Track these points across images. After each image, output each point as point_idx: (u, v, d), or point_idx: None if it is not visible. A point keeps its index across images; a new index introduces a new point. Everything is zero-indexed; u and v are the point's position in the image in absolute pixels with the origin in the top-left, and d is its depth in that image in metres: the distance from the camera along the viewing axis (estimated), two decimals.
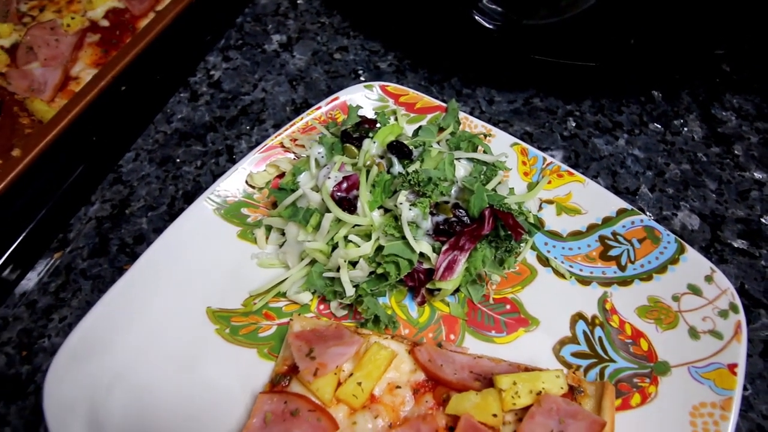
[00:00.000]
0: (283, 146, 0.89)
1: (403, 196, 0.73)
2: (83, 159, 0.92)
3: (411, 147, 0.80)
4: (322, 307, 0.80)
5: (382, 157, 0.81)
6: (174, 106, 1.05)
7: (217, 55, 1.13)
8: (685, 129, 1.04)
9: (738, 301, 0.72)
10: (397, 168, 0.78)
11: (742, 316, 0.71)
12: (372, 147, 0.80)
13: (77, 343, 0.67)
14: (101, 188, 0.94)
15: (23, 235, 0.84)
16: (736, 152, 1.01)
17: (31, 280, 0.84)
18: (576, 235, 0.84)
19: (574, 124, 1.04)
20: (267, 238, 0.83)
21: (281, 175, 0.87)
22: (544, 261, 0.83)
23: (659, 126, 1.04)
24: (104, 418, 0.65)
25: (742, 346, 0.70)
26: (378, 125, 0.85)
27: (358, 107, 0.90)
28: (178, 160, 0.98)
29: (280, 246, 0.82)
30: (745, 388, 0.77)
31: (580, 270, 0.82)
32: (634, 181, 0.97)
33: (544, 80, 1.09)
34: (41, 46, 1.00)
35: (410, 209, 0.72)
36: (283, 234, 0.82)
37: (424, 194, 0.73)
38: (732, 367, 0.69)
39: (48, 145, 0.86)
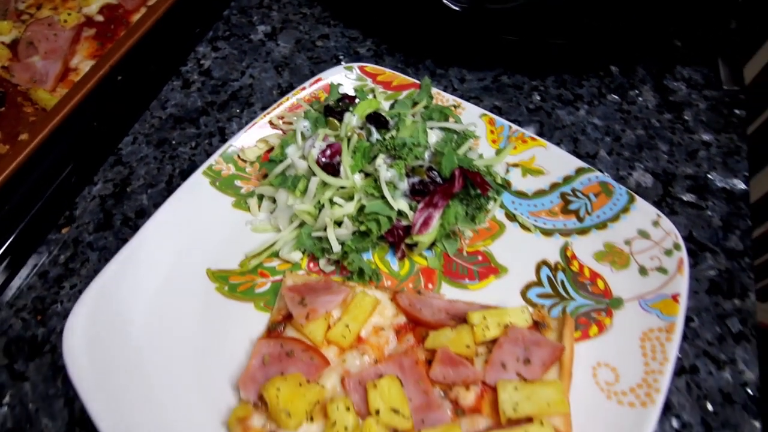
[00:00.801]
0: (271, 124, 0.97)
1: (381, 159, 0.81)
2: (85, 142, 0.99)
3: (387, 118, 0.88)
4: (312, 264, 0.88)
5: (361, 128, 0.89)
6: (168, 93, 1.13)
7: (206, 45, 1.21)
8: (640, 99, 1.13)
9: (680, 241, 0.82)
10: (375, 136, 0.86)
11: (684, 254, 0.81)
12: (352, 119, 0.89)
13: (95, 294, 0.75)
14: (103, 169, 1.01)
15: (32, 212, 0.91)
16: (685, 118, 1.11)
17: (41, 254, 0.91)
18: (540, 193, 0.93)
19: (539, 98, 1.13)
20: (259, 206, 0.91)
21: (270, 150, 0.95)
22: (512, 217, 0.92)
23: (616, 97, 1.14)
24: (118, 361, 0.73)
25: (684, 278, 0.79)
26: (357, 100, 0.93)
27: (339, 85, 0.98)
28: (173, 142, 1.05)
29: (272, 212, 0.90)
30: (692, 320, 0.87)
31: (544, 223, 0.91)
32: (594, 147, 1.06)
33: (511, 59, 1.18)
34: (41, 41, 1.07)
35: (388, 170, 0.81)
36: (274, 201, 0.89)
37: (400, 157, 0.81)
38: (675, 297, 0.78)
39: (53, 128, 0.93)
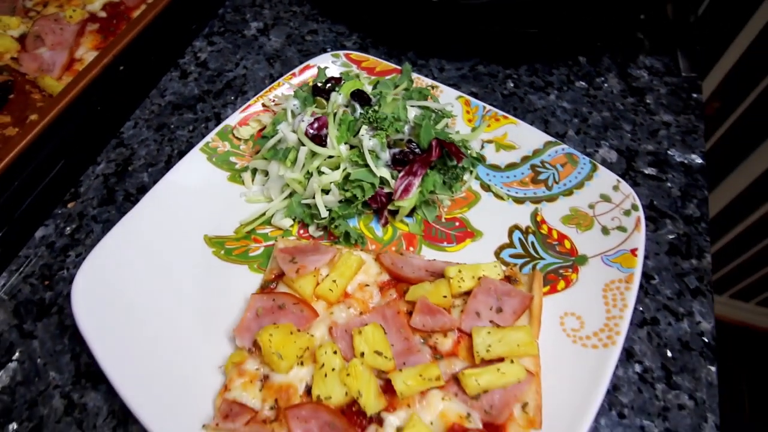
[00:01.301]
0: (263, 106, 1.05)
1: (364, 130, 0.89)
2: (90, 125, 1.06)
3: (370, 96, 0.96)
4: (302, 231, 0.95)
5: (346, 106, 0.97)
6: (166, 83, 1.20)
7: (202, 40, 1.29)
8: (606, 85, 1.23)
9: (638, 202, 0.90)
10: (359, 111, 0.94)
11: (641, 213, 0.88)
12: (338, 98, 0.96)
13: (100, 253, 0.81)
14: (106, 151, 1.08)
15: (39, 188, 0.98)
16: (647, 101, 1.20)
17: (48, 226, 0.98)
18: (512, 165, 1.01)
19: (512, 85, 1.22)
20: (253, 179, 0.98)
21: (263, 129, 1.03)
22: (486, 187, 0.99)
23: (584, 83, 1.23)
24: (123, 313, 0.79)
25: (641, 234, 0.86)
26: (343, 82, 1.01)
27: (326, 68, 1.06)
28: (172, 126, 1.12)
29: (264, 184, 0.97)
30: (653, 278, 0.94)
31: (516, 192, 0.98)
32: (563, 127, 1.15)
33: (486, 50, 1.27)
34: (48, 34, 1.14)
35: (370, 140, 0.88)
36: (266, 174, 0.97)
37: (381, 128, 0.89)
38: (633, 251, 0.85)
39: (60, 110, 1.00)
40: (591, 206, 0.93)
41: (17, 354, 0.84)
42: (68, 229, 0.97)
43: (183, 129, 1.12)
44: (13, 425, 0.78)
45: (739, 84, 1.64)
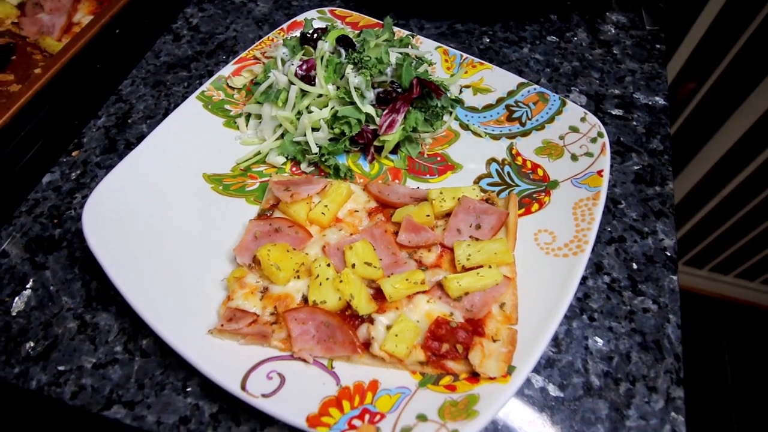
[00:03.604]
0: (255, 58, 1.12)
1: (349, 69, 0.96)
2: (90, 80, 1.12)
3: (355, 42, 1.03)
4: (294, 168, 1.01)
5: (333, 53, 1.04)
6: (161, 45, 1.27)
7: (193, 7, 1.35)
8: (575, 38, 1.31)
9: (603, 130, 0.98)
10: (345, 55, 1.01)
11: (605, 139, 0.96)
12: (325, 45, 1.03)
13: (109, 182, 0.87)
14: (106, 106, 1.14)
15: (45, 137, 1.04)
16: (614, 52, 1.28)
17: (54, 173, 1.03)
18: (488, 107, 1.09)
19: (488, 40, 1.30)
20: (247, 124, 1.05)
21: (254, 80, 1.09)
22: (465, 127, 1.07)
23: (555, 38, 1.31)
24: (130, 237, 0.85)
25: (606, 157, 0.94)
26: (329, 31, 1.08)
27: (313, 19, 1.13)
28: (168, 83, 1.19)
29: (258, 127, 1.03)
30: (619, 203, 1.02)
31: (492, 130, 1.06)
32: (536, 76, 1.23)
33: (463, 9, 1.35)
34: (46, 1, 1.20)
35: (355, 77, 0.95)
36: (260, 118, 1.03)
37: (365, 67, 0.96)
38: (599, 172, 0.93)
39: (62, 65, 1.06)
40: (561, 137, 1.01)
41: (31, 283, 0.90)
42: (73, 174, 1.03)
43: (178, 85, 1.18)
44: (30, 344, 0.84)
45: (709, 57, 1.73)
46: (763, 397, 2.62)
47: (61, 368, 0.81)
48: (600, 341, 0.86)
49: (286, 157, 1.00)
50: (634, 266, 0.95)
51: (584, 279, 0.93)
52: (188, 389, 0.80)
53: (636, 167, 1.07)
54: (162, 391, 0.80)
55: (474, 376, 0.74)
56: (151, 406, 0.78)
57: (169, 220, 0.90)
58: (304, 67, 0.97)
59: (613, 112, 1.16)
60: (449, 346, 0.76)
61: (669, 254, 0.96)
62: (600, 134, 0.97)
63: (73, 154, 1.06)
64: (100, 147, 1.07)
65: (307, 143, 0.97)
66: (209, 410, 0.78)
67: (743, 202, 2.28)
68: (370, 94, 0.98)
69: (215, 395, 0.79)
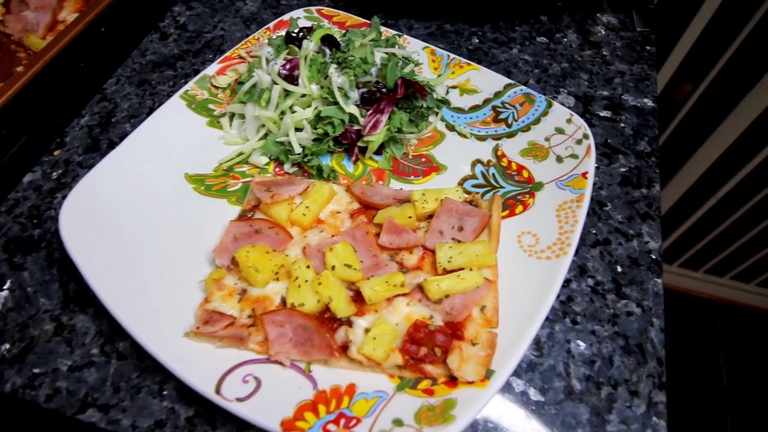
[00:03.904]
0: (240, 57, 1.11)
1: (332, 69, 0.95)
2: (74, 78, 1.11)
3: (340, 41, 1.02)
4: (277, 169, 1.01)
5: (318, 53, 1.03)
6: (147, 44, 1.26)
7: (181, 5, 1.34)
8: (565, 40, 1.30)
9: (588, 132, 0.97)
10: (329, 55, 1.00)
11: (591, 141, 0.96)
12: (310, 45, 1.02)
13: (88, 182, 0.86)
14: (90, 105, 1.13)
15: (26, 136, 1.03)
16: (604, 53, 1.28)
17: (36, 172, 1.02)
18: (474, 108, 1.08)
19: (477, 41, 1.29)
20: (230, 124, 1.04)
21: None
22: (451, 127, 1.06)
23: (545, 39, 1.30)
24: (107, 238, 0.84)
25: (591, 159, 0.94)
26: (314, 30, 1.07)
27: (299, 18, 1.13)
28: (153, 82, 1.18)
29: (241, 127, 1.02)
30: (605, 205, 1.01)
31: (479, 131, 1.05)
32: (524, 77, 1.22)
33: (453, 10, 1.34)
34: None
35: (339, 77, 0.94)
36: (243, 118, 1.02)
37: (349, 67, 0.95)
38: (584, 174, 0.92)
39: (45, 63, 1.05)
40: (547, 139, 1.00)
41: (8, 284, 0.89)
42: (55, 174, 1.02)
43: (164, 84, 1.17)
44: (6, 345, 0.83)
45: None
46: (759, 401, 2.62)
47: (36, 371, 0.80)
48: (582, 345, 0.85)
49: (269, 158, 0.99)
50: (619, 269, 0.94)
51: (568, 282, 0.92)
52: (164, 393, 0.79)
53: (623, 169, 1.07)
54: (138, 395, 0.79)
55: (452, 381, 0.73)
56: (126, 410, 0.77)
57: (149, 220, 0.89)
58: (287, 66, 0.96)
59: (601, 114, 1.15)
60: (428, 350, 0.75)
61: (654, 257, 0.95)
62: (585, 136, 0.97)
63: (55, 153, 1.05)
64: (83, 146, 1.06)
65: (290, 143, 0.96)
66: (185, 414, 0.77)
67: (740, 203, 2.27)
68: (355, 95, 0.97)
69: (191, 399, 0.78)
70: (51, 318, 0.85)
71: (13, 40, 1.16)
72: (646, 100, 1.18)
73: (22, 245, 0.93)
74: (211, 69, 1.07)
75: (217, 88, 1.07)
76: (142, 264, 0.84)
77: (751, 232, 2.42)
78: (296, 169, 1.00)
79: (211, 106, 1.06)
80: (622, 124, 1.14)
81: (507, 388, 0.81)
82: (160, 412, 0.77)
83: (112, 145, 1.07)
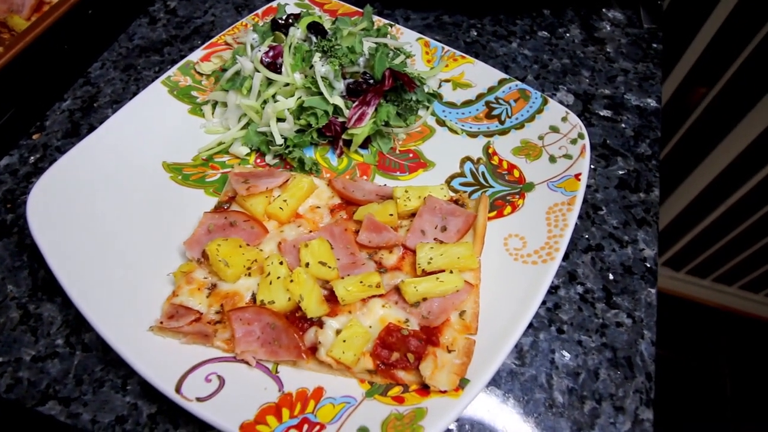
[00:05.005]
0: (226, 43, 1.07)
1: (317, 57, 0.91)
2: (57, 61, 1.08)
3: (327, 29, 0.98)
4: (259, 160, 0.97)
5: (304, 41, 0.99)
6: (135, 28, 1.23)
7: None
8: (568, 35, 1.25)
9: (584, 131, 0.92)
10: (315, 42, 0.96)
11: (586, 141, 0.91)
12: (296, 32, 0.99)
13: (58, 169, 0.84)
14: (72, 89, 1.10)
15: (5, 117, 1.00)
16: (608, 50, 1.22)
17: (13, 156, 1.00)
18: (467, 103, 1.04)
19: (475, 33, 1.24)
20: (213, 113, 1.00)
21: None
22: (442, 123, 1.02)
23: (546, 33, 1.25)
24: (78, 225, 0.81)
25: (585, 160, 0.89)
26: (302, 17, 1.03)
27: (286, 4, 1.09)
28: (139, 67, 1.15)
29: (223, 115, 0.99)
30: (600, 209, 0.97)
31: (470, 127, 1.01)
32: (523, 72, 1.17)
33: (452, 1, 1.29)
34: None
35: (323, 66, 0.90)
36: (226, 106, 0.99)
37: (335, 56, 0.91)
38: (577, 176, 0.88)
39: (26, 45, 1.02)
40: (540, 137, 0.96)
41: None
42: (32, 158, 1.00)
43: (149, 70, 1.14)
44: None
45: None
46: (762, 410, 2.56)
47: None
48: (567, 355, 0.81)
49: (250, 148, 0.96)
50: (611, 277, 0.89)
51: (556, 288, 0.87)
52: (128, 387, 0.76)
53: (621, 172, 1.02)
54: (100, 389, 0.76)
55: (425, 389, 0.70)
56: (87, 404, 0.75)
57: (123, 209, 0.86)
58: (270, 53, 0.93)
59: (602, 113, 1.10)
60: (400, 355, 0.72)
61: (648, 265, 0.91)
62: (581, 135, 0.92)
63: (34, 137, 1.02)
64: (63, 130, 1.04)
65: (272, 134, 0.93)
66: (147, 411, 0.74)
67: (753, 210, 2.20)
68: (340, 85, 0.93)
69: (155, 395, 0.75)
70: (18, 305, 0.83)
71: None
72: (649, 100, 1.13)
73: None
74: (196, 55, 1.04)
75: (201, 74, 1.04)
76: (111, 253, 0.81)
77: (763, 241, 2.35)
78: (278, 161, 0.96)
79: (194, 93, 1.02)
80: (623, 125, 1.09)
81: (483, 399, 0.77)
82: (122, 407, 0.75)
83: (92, 130, 1.03)
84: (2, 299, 0.83)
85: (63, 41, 1.09)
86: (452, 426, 0.75)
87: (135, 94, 1.09)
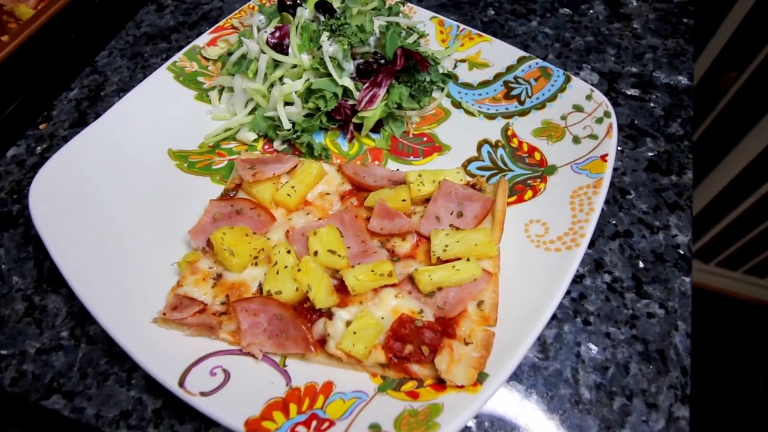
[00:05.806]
0: (233, 27, 1.04)
1: (324, 36, 0.87)
2: (63, 49, 1.06)
3: (335, 8, 0.94)
4: (267, 146, 0.93)
5: (313, 21, 0.95)
6: (143, 15, 1.20)
7: None
8: (591, 11, 1.18)
9: (610, 109, 0.86)
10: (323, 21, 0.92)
11: (613, 119, 0.85)
12: (304, 13, 0.94)
13: (60, 159, 0.81)
14: (80, 78, 1.08)
15: (12, 107, 0.99)
16: (635, 26, 1.15)
17: (20, 146, 0.98)
18: (484, 83, 0.98)
19: (492, 12, 1.19)
20: (220, 99, 0.97)
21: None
22: (457, 105, 0.97)
23: (568, 10, 1.19)
24: (81, 215, 0.79)
25: (612, 140, 0.83)
26: None
27: None
28: (146, 55, 1.12)
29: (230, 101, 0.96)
30: (628, 193, 0.91)
31: (488, 109, 0.96)
32: (543, 51, 1.11)
33: None
34: None
35: (331, 46, 0.86)
36: (233, 91, 0.96)
37: (343, 35, 0.87)
38: (604, 157, 0.82)
39: (32, 33, 1.00)
40: (563, 117, 0.90)
41: None
42: (39, 148, 0.98)
43: (156, 57, 1.12)
44: None
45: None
46: None
47: (3, 352, 0.76)
48: (594, 348, 0.76)
49: (258, 134, 0.93)
50: (641, 265, 0.83)
51: (581, 277, 0.82)
52: (133, 381, 0.74)
53: (650, 153, 0.95)
54: (105, 382, 0.74)
55: (440, 383, 0.65)
56: (91, 398, 0.72)
57: (128, 198, 0.84)
58: (276, 34, 0.89)
59: (629, 93, 1.03)
60: (414, 348, 0.67)
61: (682, 252, 0.84)
62: (607, 114, 0.86)
63: (41, 127, 1.01)
64: (69, 120, 1.02)
65: (279, 119, 0.89)
66: (152, 405, 0.72)
67: None
68: (350, 66, 0.89)
69: (160, 390, 0.72)
70: (23, 297, 0.81)
71: (5, 10, 1.12)
72: (680, 78, 1.05)
73: (2, 221, 0.89)
74: (202, 40, 1.01)
75: (207, 59, 1.01)
76: (115, 243, 0.78)
77: None
78: (286, 146, 0.92)
79: (200, 78, 0.99)
80: (652, 104, 1.02)
81: (504, 394, 0.72)
82: (126, 401, 0.72)
83: None
84: (8, 291, 0.82)
85: (69, 29, 1.08)
86: (470, 423, 0.70)
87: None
